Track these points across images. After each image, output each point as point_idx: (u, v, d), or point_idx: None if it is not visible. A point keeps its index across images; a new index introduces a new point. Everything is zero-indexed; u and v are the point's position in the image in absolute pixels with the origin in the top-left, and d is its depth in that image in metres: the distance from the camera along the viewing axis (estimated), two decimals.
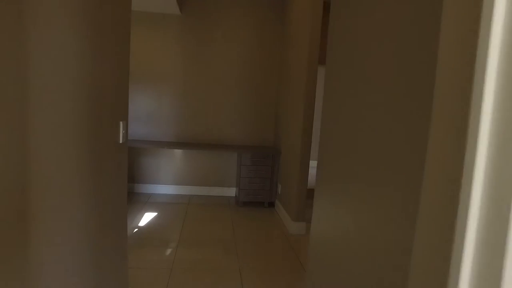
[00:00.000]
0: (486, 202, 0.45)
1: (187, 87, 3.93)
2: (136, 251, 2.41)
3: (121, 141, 1.38)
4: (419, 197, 0.72)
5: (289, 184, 3.24)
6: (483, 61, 0.44)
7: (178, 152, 4.01)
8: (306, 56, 2.84)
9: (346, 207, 1.13)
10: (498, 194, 0.43)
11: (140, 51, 3.79)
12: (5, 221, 0.66)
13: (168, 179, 4.04)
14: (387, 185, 0.86)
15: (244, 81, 4.00)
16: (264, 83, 4.03)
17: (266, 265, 2.36)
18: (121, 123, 1.37)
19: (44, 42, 0.77)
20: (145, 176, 4.01)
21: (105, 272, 1.30)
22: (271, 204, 3.84)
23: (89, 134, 1.06)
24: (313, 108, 2.89)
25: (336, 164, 1.25)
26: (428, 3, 0.72)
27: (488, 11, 0.44)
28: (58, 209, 0.88)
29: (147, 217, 3.17)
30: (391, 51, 0.88)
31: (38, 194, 0.78)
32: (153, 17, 3.76)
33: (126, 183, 1.52)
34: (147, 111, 3.92)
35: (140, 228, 2.89)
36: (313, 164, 6.13)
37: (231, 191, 4.13)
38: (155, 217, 3.19)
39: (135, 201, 3.67)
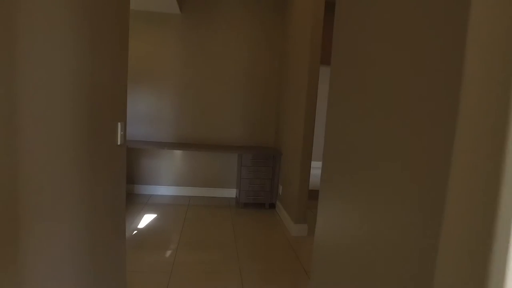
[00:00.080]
0: None
1: (188, 87, 3.89)
2: (135, 254, 2.38)
3: (119, 143, 1.34)
4: (439, 198, 0.69)
5: (290, 185, 3.20)
6: None
7: (178, 153, 3.97)
8: (307, 56, 2.80)
9: (355, 208, 1.09)
10: None
11: (139, 51, 3.75)
12: None
13: (168, 180, 4.00)
14: (403, 185, 0.83)
15: (245, 81, 3.96)
16: (265, 83, 3.99)
17: (267, 267, 2.32)
18: (119, 124, 1.33)
19: (38, 40, 0.74)
20: (145, 177, 3.97)
21: (102, 276, 1.26)
22: (272, 206, 3.80)
23: (84, 136, 1.02)
24: (315, 108, 2.85)
25: (343, 164, 1.21)
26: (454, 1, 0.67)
27: None
28: (51, 212, 0.84)
29: (146, 219, 3.13)
30: (407, 48, 0.85)
31: (30, 197, 0.74)
32: (153, 17, 3.73)
33: (124, 186, 1.49)
34: (147, 111, 3.88)
35: (139, 230, 2.86)
36: (314, 164, 6.09)
37: (232, 192, 4.10)
38: (155, 219, 3.15)
39: (134, 202, 3.63)
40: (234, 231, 2.97)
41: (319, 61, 2.79)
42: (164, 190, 4.00)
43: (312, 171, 5.17)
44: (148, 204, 3.59)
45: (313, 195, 3.89)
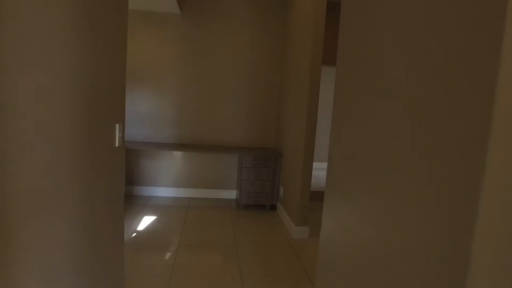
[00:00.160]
0: None
1: (188, 87, 3.86)
2: (134, 257, 2.34)
3: (117, 145, 1.30)
4: (462, 203, 0.65)
5: (291, 186, 3.16)
6: None
7: (178, 154, 3.94)
8: (309, 56, 2.77)
9: (365, 210, 1.05)
10: None
11: (139, 51, 3.72)
12: None
13: (167, 181, 3.96)
14: (420, 184, 0.79)
15: (246, 81, 3.92)
16: (266, 83, 3.96)
17: (268, 270, 2.28)
18: (117, 125, 1.30)
19: (32, 38, 0.70)
20: (145, 178, 3.93)
21: (100, 281, 1.22)
22: (273, 207, 3.77)
23: (81, 138, 0.98)
24: (316, 108, 2.81)
25: (352, 163, 1.17)
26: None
27: None
28: (46, 215, 0.81)
29: (146, 221, 3.09)
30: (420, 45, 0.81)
31: (22, 202, 0.71)
32: (153, 16, 3.69)
33: (123, 189, 1.45)
34: (146, 112, 3.84)
35: (138, 232, 2.82)
36: (315, 165, 6.05)
37: (232, 194, 4.06)
38: (154, 221, 3.12)
39: (134, 203, 3.59)
40: (235, 233, 2.93)
41: (321, 61, 2.75)
42: (164, 192, 3.96)
43: (313, 172, 5.13)
44: (148, 206, 3.56)
45: (315, 196, 3.85)
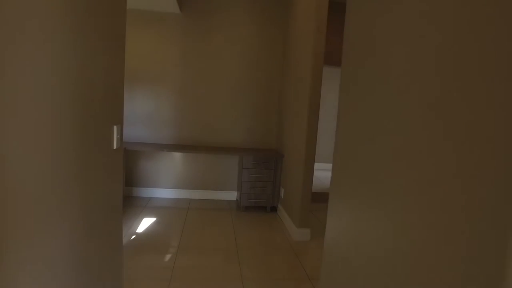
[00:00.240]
0: None
1: (187, 88, 3.83)
2: (133, 259, 2.31)
3: (115, 147, 1.27)
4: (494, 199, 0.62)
5: (292, 188, 3.13)
6: None
7: (177, 155, 3.90)
8: (311, 56, 2.74)
9: (375, 211, 1.02)
10: None
11: (139, 50, 3.69)
12: None
13: (167, 182, 3.93)
14: (442, 178, 0.76)
15: (246, 82, 3.89)
16: (266, 83, 3.93)
17: (269, 273, 2.25)
18: (115, 127, 1.26)
19: (27, 36, 0.67)
20: (144, 179, 3.90)
21: (99, 281, 1.19)
22: (274, 209, 3.73)
23: (76, 139, 0.95)
24: (318, 109, 2.78)
25: (359, 161, 1.14)
26: None
27: None
28: (36, 222, 0.78)
29: (145, 223, 3.06)
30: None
31: (21, 202, 0.68)
32: (153, 16, 3.66)
33: (121, 191, 1.42)
34: (146, 112, 3.81)
35: (138, 234, 2.79)
36: (317, 166, 6.02)
37: (232, 195, 4.03)
38: (154, 223, 3.08)
39: (133, 205, 3.56)
40: (235, 235, 2.90)
41: (323, 61, 2.72)
42: (163, 193, 3.93)
43: (314, 173, 5.10)
44: (147, 207, 3.53)
45: (316, 198, 3.82)
